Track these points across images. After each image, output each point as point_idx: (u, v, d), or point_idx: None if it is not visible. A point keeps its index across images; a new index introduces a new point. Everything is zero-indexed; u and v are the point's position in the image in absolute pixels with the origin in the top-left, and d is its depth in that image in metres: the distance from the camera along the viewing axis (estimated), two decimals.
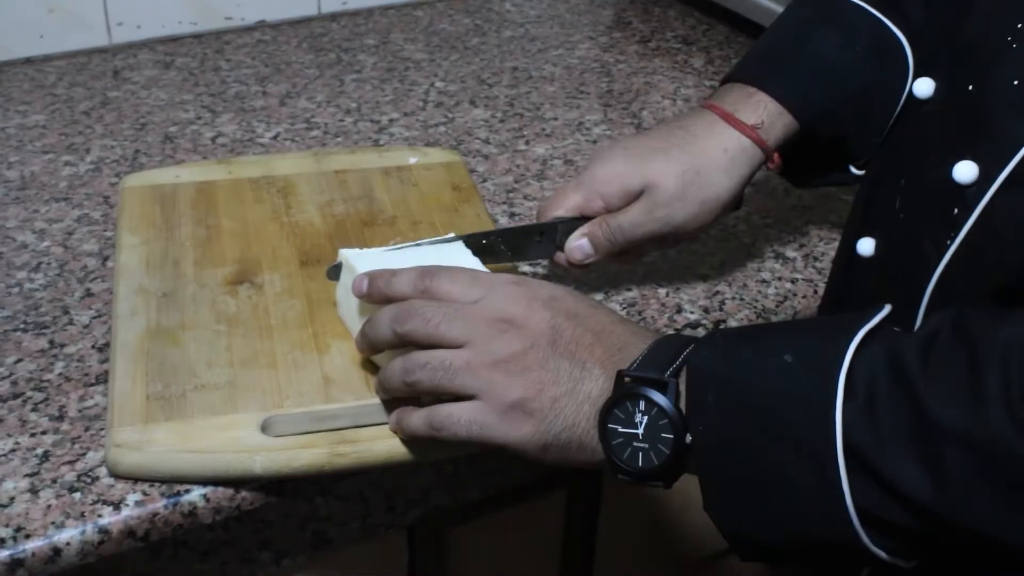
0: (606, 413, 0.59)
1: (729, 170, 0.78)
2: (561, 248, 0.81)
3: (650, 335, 0.63)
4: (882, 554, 0.54)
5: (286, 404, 0.70)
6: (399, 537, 0.84)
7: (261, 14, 1.31)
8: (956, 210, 0.62)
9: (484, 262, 0.78)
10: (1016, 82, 0.61)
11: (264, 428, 0.68)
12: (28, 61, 1.20)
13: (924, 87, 0.70)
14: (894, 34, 0.77)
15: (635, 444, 0.59)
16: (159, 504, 0.66)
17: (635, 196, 0.79)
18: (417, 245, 0.78)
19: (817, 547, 0.55)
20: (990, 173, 0.61)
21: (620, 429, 0.59)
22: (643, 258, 0.86)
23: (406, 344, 0.65)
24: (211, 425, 0.68)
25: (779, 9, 1.21)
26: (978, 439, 0.49)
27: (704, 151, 0.78)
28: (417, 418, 0.65)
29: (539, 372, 0.61)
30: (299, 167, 0.96)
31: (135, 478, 0.67)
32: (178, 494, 0.67)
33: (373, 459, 0.68)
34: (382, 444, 0.68)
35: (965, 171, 0.62)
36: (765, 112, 0.79)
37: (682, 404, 0.58)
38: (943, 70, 0.69)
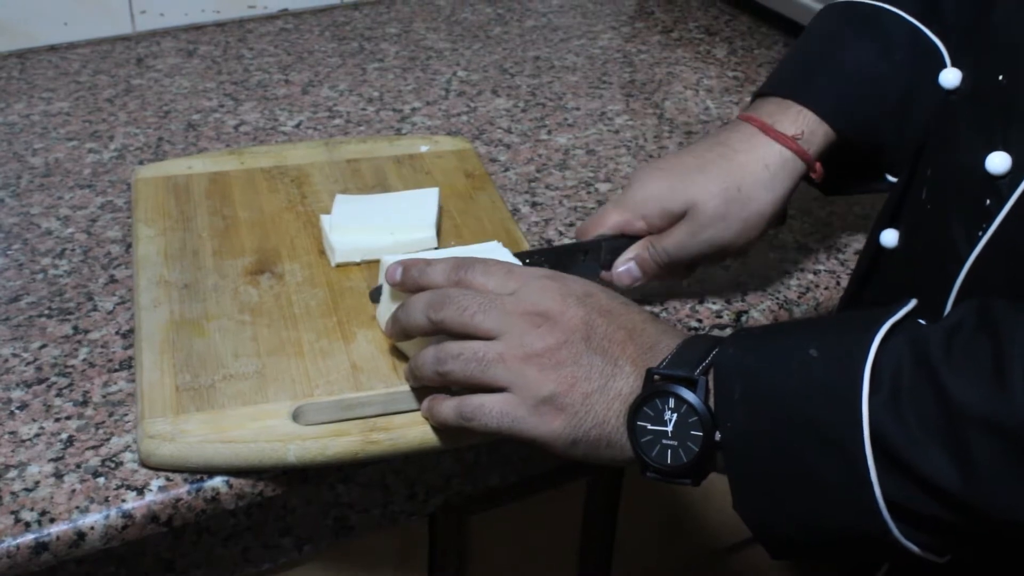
0: (635, 411, 0.59)
1: (771, 185, 0.77)
2: (606, 267, 0.80)
3: (680, 334, 0.63)
4: (914, 548, 0.53)
5: (316, 393, 0.70)
6: (420, 524, 0.84)
7: (284, 2, 1.31)
8: (988, 200, 0.62)
9: None
10: None
11: (296, 417, 0.68)
12: (52, 48, 1.21)
13: (951, 77, 0.69)
14: (931, 41, 0.76)
15: (664, 442, 0.59)
16: (182, 490, 0.66)
17: (677, 217, 0.77)
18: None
19: (848, 542, 0.55)
20: (1023, 163, 0.60)
21: (649, 427, 0.59)
22: (691, 274, 0.84)
23: (438, 332, 0.65)
24: (243, 415, 0.68)
25: None
26: (1005, 425, 0.49)
27: (744, 167, 0.77)
28: (448, 407, 0.65)
29: (572, 368, 0.61)
30: (311, 156, 0.96)
31: (169, 469, 0.67)
32: (201, 480, 0.67)
33: (406, 446, 0.68)
34: (415, 431, 0.68)
35: (998, 162, 0.61)
36: (804, 123, 0.77)
37: (711, 402, 0.58)
38: (971, 60, 0.69)
